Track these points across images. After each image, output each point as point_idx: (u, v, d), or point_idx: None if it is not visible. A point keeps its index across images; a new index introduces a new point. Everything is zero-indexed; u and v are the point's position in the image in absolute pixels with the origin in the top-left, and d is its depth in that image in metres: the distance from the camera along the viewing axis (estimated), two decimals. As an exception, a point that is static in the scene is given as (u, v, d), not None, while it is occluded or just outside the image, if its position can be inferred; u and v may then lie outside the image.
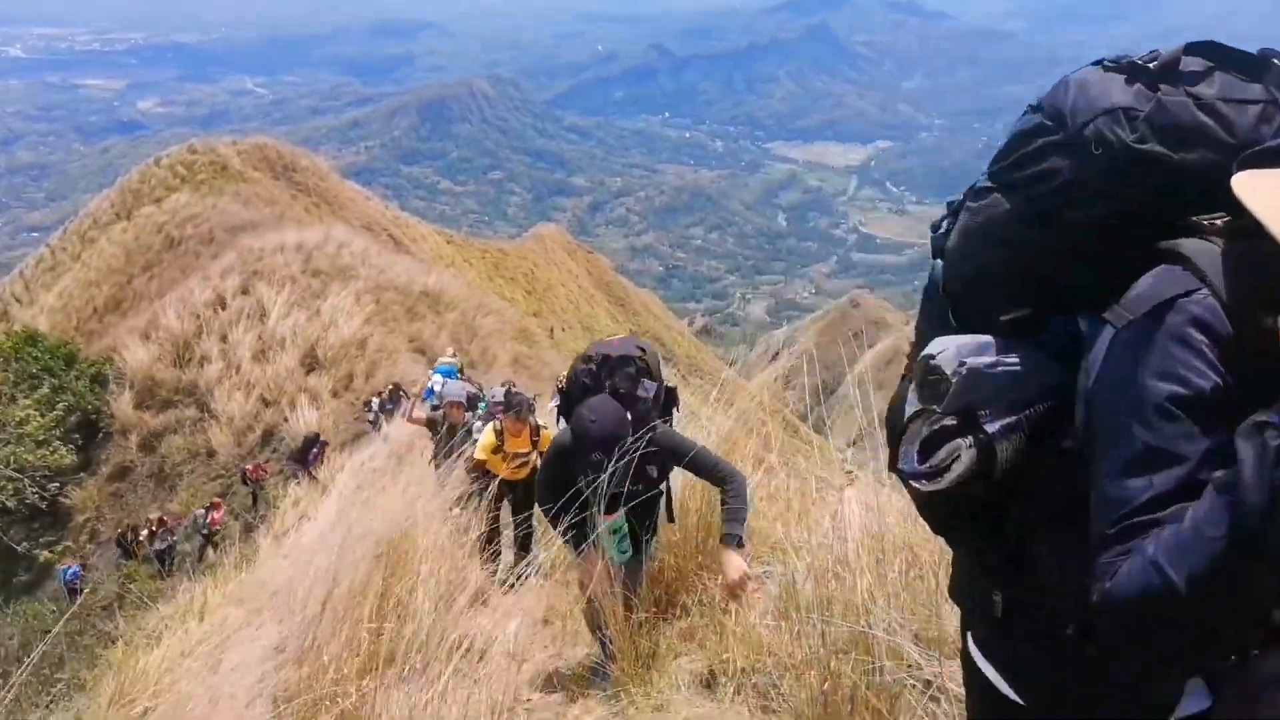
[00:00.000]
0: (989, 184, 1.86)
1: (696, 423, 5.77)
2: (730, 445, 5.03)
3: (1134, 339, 1.45)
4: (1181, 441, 1.35)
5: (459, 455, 7.93)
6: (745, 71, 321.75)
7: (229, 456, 18.02)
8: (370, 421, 16.26)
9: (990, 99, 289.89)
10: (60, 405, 19.00)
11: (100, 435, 19.59)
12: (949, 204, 2.02)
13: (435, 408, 10.60)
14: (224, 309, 21.61)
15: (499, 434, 8.02)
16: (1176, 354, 1.39)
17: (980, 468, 1.64)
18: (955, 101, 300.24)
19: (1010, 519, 1.74)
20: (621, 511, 4.47)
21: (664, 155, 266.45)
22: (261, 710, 3.41)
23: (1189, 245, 1.49)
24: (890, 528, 3.58)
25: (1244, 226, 1.38)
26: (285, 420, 17.94)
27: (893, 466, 1.87)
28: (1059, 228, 1.66)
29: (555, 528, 4.66)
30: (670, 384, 5.02)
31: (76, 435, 19.16)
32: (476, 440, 8.17)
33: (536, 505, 7.65)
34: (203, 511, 16.30)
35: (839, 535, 3.46)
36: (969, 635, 1.92)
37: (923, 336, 1.92)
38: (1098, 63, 1.90)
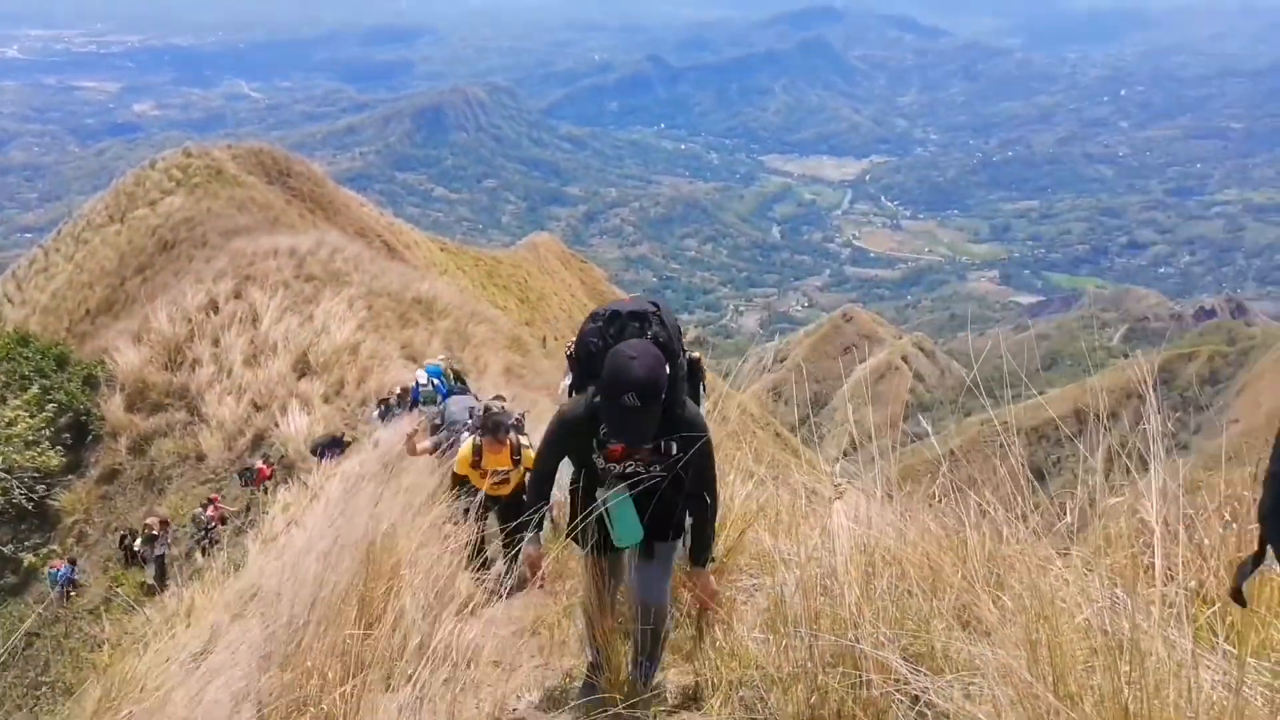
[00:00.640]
0: None
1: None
2: (720, 456, 4.99)
3: None
4: None
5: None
6: (741, 84, 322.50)
7: (219, 461, 17.97)
8: (380, 418, 16.12)
9: (985, 115, 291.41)
10: (50, 406, 18.94)
11: (90, 437, 19.53)
12: None
13: (436, 426, 10.19)
14: (216, 313, 21.57)
15: (476, 449, 7.76)
16: None
17: None
18: (950, 116, 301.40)
19: None
20: (624, 487, 4.22)
21: (659, 166, 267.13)
22: (246, 715, 3.40)
23: None
24: (879, 542, 3.59)
25: None
26: (276, 425, 17.90)
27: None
28: None
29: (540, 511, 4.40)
30: (693, 354, 4.62)
31: (66, 437, 19.10)
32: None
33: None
34: (201, 509, 16.27)
35: (828, 548, 3.46)
36: None
37: None
38: None
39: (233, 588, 9.59)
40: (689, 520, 4.37)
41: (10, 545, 17.56)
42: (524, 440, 7.94)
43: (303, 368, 19.67)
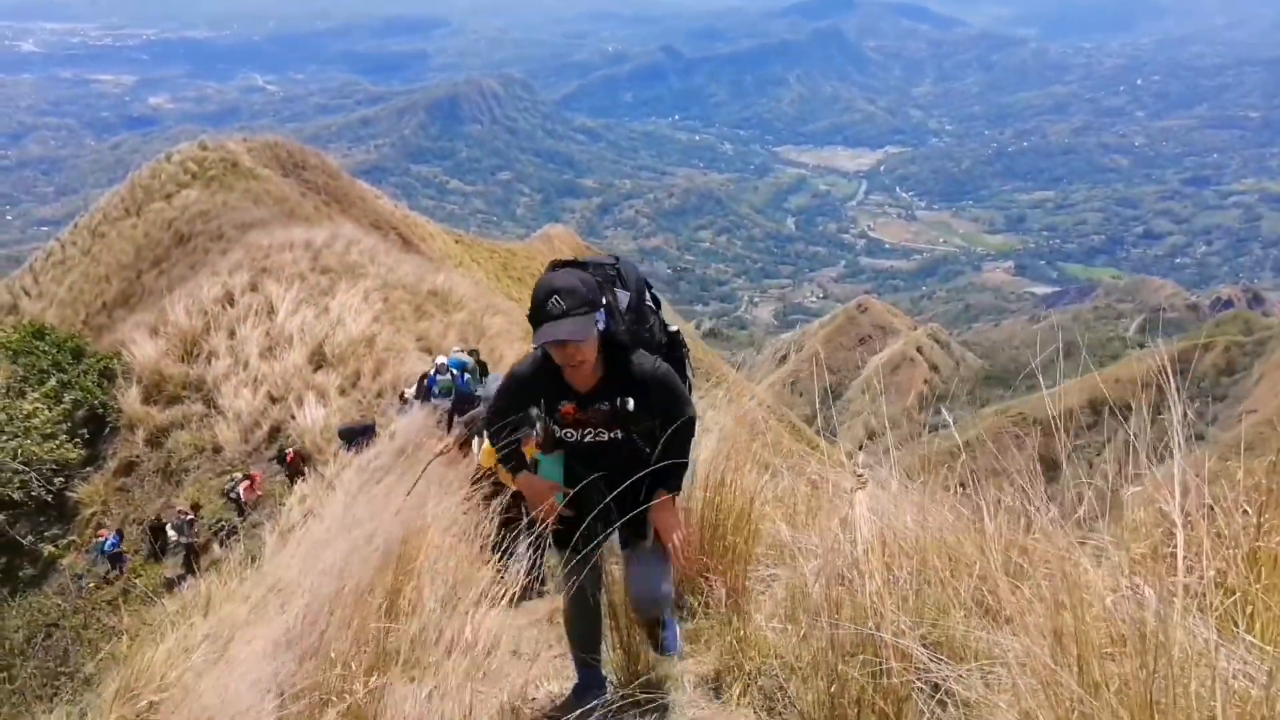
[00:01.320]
0: None
1: (700, 424, 5.66)
2: (733, 448, 4.99)
3: None
4: None
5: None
6: (755, 74, 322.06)
7: (235, 453, 18.02)
8: (404, 403, 16.04)
9: (1000, 105, 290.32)
10: (67, 399, 19.02)
11: (107, 430, 19.61)
12: None
13: (453, 415, 9.88)
14: (232, 305, 21.63)
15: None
16: None
17: None
18: (965, 107, 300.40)
19: None
20: (559, 454, 4.19)
21: (673, 158, 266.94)
22: (268, 706, 3.42)
23: None
24: (900, 532, 3.59)
25: None
26: (292, 417, 17.95)
27: None
28: None
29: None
30: (673, 327, 4.49)
31: (84, 430, 19.18)
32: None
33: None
34: (236, 480, 16.32)
35: (849, 538, 3.46)
36: None
37: None
38: None
39: (251, 579, 9.64)
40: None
41: (29, 537, 17.66)
42: None
43: (319, 360, 19.71)
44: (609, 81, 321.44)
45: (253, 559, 11.49)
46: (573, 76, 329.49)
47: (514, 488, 7.47)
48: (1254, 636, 2.61)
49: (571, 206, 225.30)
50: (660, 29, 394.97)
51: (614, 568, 4.46)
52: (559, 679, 4.39)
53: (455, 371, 12.64)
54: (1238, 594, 2.85)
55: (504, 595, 5.05)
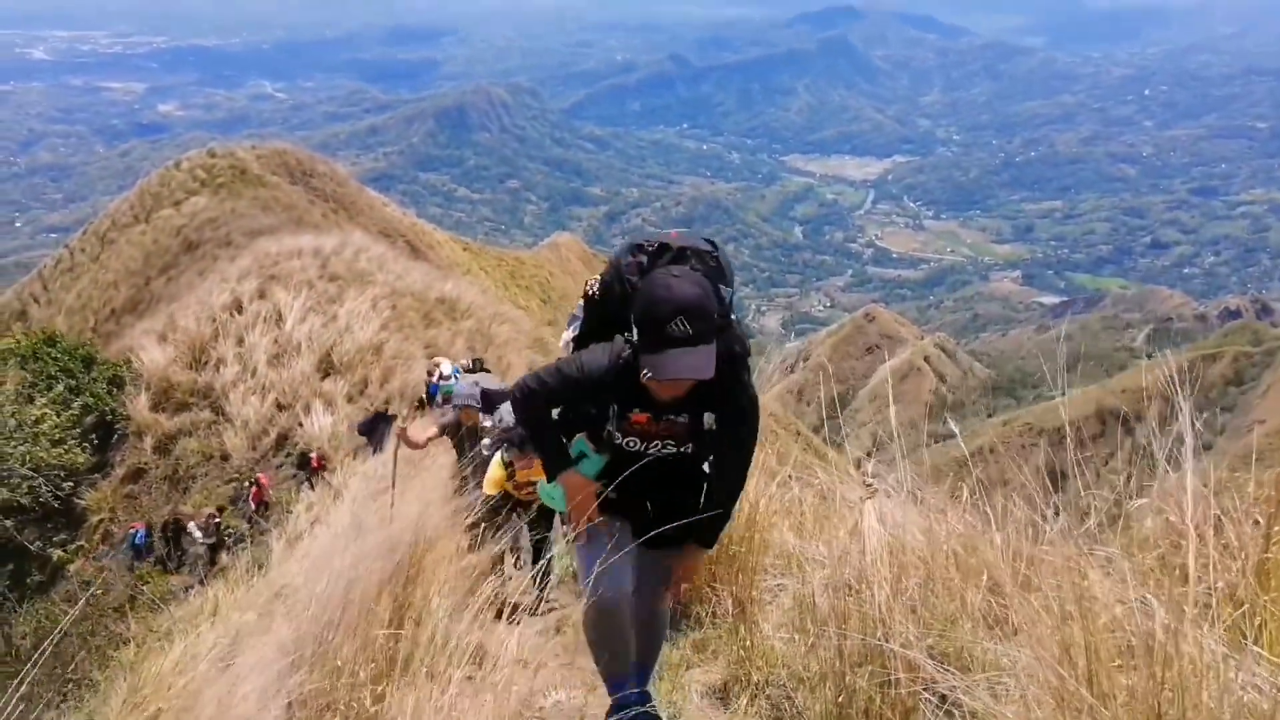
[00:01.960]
0: None
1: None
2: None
3: None
4: None
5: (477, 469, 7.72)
6: (762, 83, 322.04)
7: (243, 460, 18.07)
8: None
9: (1008, 114, 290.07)
10: (76, 405, 19.07)
11: (116, 437, 19.66)
12: None
13: (448, 401, 9.77)
14: (241, 312, 21.69)
15: (507, 466, 7.26)
16: None
17: None
18: (973, 116, 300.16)
19: None
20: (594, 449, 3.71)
21: (681, 166, 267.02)
22: (275, 714, 3.43)
23: None
24: (908, 542, 3.60)
25: None
26: (300, 425, 18.00)
27: None
28: None
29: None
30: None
31: (93, 436, 19.23)
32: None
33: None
34: (249, 485, 16.41)
35: (858, 548, 3.47)
36: None
37: None
38: None
39: (258, 587, 9.65)
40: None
41: (38, 543, 17.69)
42: None
43: (327, 367, 19.76)
44: (617, 90, 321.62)
45: (260, 566, 11.50)
46: (580, 85, 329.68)
47: (516, 492, 7.36)
48: (1262, 649, 2.61)
49: (579, 215, 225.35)
50: (668, 38, 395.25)
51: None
52: (566, 688, 4.39)
53: (458, 376, 12.43)
54: (1246, 606, 2.85)
55: (509, 606, 5.06)
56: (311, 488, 15.81)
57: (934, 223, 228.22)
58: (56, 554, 17.51)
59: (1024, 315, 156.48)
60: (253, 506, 16.12)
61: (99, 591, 15.84)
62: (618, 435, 3.59)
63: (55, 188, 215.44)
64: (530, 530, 7.56)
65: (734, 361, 3.39)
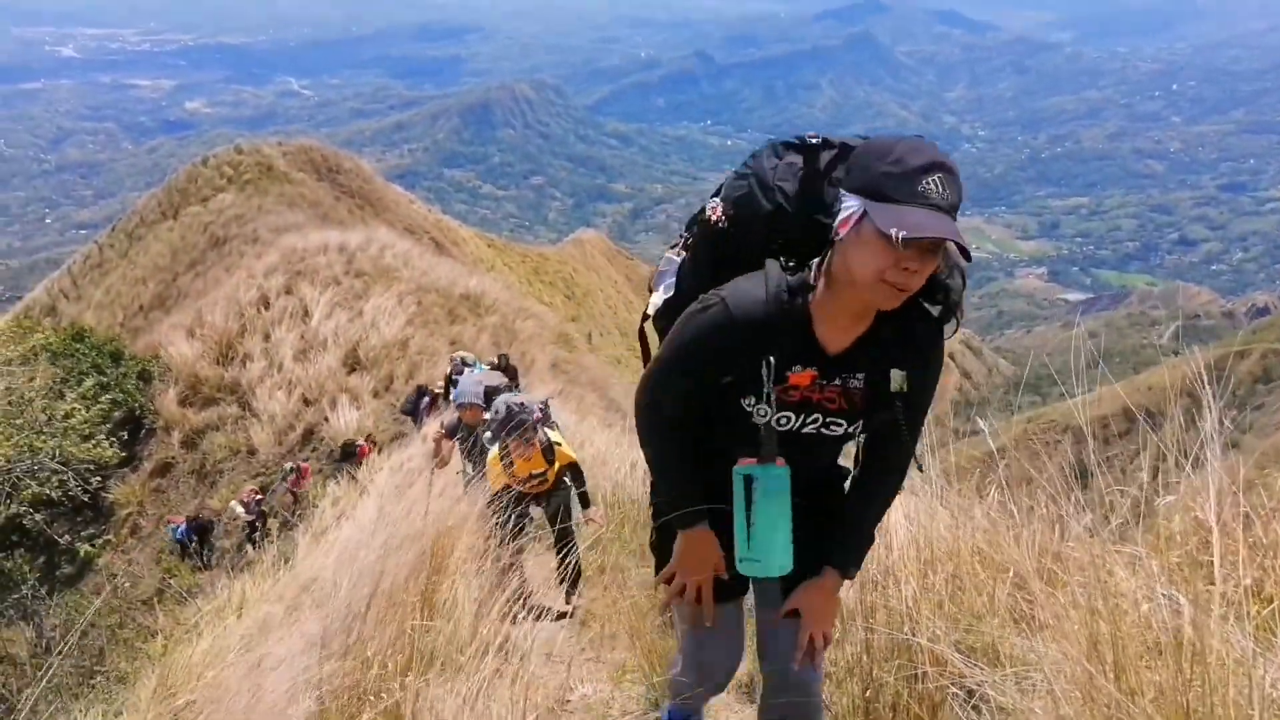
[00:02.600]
0: None
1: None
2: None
3: None
4: None
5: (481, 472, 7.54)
6: (787, 79, 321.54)
7: (269, 455, 18.17)
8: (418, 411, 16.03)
9: (1034, 110, 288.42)
10: (105, 399, 19.22)
11: (144, 431, 19.82)
12: None
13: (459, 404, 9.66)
14: (267, 308, 21.81)
15: (504, 458, 6.81)
16: None
17: None
18: (999, 112, 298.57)
19: None
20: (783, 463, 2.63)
21: (705, 162, 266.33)
22: (305, 704, 3.46)
23: None
24: (934, 538, 3.60)
25: None
26: (326, 420, 18.08)
27: None
28: None
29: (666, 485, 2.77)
30: None
31: (121, 431, 19.36)
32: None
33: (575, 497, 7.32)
34: (288, 471, 16.49)
35: (885, 544, 3.47)
36: None
37: None
38: None
39: (285, 579, 9.71)
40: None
41: (67, 536, 17.86)
42: (554, 435, 7.01)
43: (352, 363, 19.85)
44: (641, 86, 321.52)
45: (286, 560, 11.57)
46: (605, 82, 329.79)
47: (521, 486, 6.88)
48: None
49: (603, 211, 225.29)
50: (693, 34, 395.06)
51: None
52: (593, 681, 4.41)
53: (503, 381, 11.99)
54: (1275, 603, 2.84)
55: (535, 600, 5.08)
56: (354, 480, 15.88)
57: (959, 219, 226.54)
58: (85, 548, 17.67)
59: (1049, 312, 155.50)
60: (291, 498, 16.21)
61: (127, 584, 15.99)
62: (766, 409, 2.56)
63: (84, 184, 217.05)
64: (552, 524, 7.23)
65: (948, 294, 2.50)
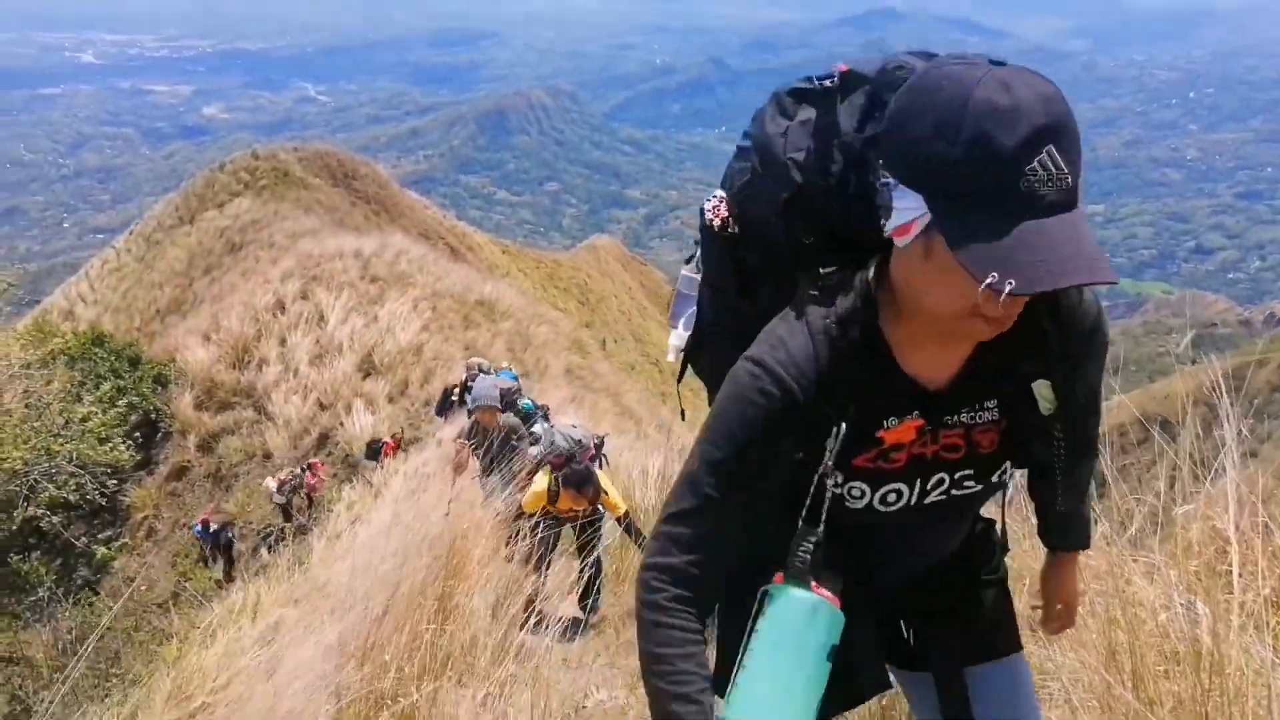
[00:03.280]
0: None
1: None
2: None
3: None
4: None
5: (506, 473, 7.47)
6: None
7: (285, 459, 18.23)
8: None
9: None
10: (122, 403, 19.30)
11: (160, 435, 19.91)
12: None
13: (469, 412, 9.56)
14: (283, 313, 21.90)
15: (553, 493, 6.70)
16: None
17: None
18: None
19: None
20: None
21: (720, 169, 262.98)
22: (323, 707, 3.47)
23: None
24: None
25: None
26: (341, 425, 18.14)
27: None
28: None
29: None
30: None
31: (137, 434, 19.45)
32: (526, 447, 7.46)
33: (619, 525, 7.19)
34: (302, 470, 16.56)
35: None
36: None
37: None
38: None
39: (299, 583, 9.73)
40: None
41: (84, 539, 17.93)
42: (604, 480, 6.82)
43: (367, 368, 19.90)
44: (656, 93, 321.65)
45: (300, 563, 11.60)
46: (620, 88, 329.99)
47: (557, 512, 6.78)
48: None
49: (618, 217, 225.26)
50: (709, 41, 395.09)
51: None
52: (608, 688, 4.41)
53: (511, 382, 11.82)
54: (1294, 613, 2.83)
55: (551, 600, 5.08)
56: (369, 484, 15.93)
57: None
58: (101, 550, 17.75)
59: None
60: (307, 500, 16.28)
61: (144, 588, 16.04)
62: (840, 488, 1.76)
63: (102, 189, 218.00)
64: (578, 537, 7.17)
65: None
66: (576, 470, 6.67)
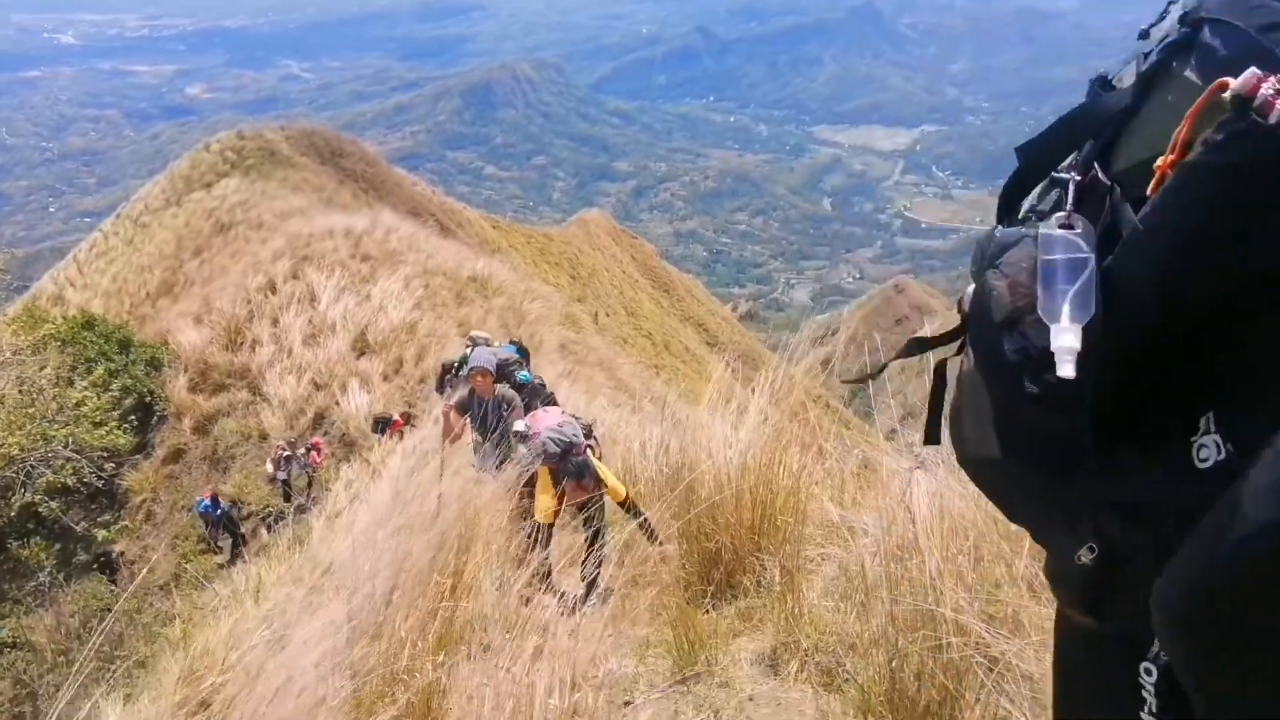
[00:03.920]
0: None
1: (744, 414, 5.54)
2: (774, 432, 4.99)
3: None
4: None
5: (500, 449, 7.55)
6: (789, 54, 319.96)
7: (280, 439, 18.26)
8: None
9: (1039, 81, 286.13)
10: (115, 387, 19.29)
11: (155, 418, 19.90)
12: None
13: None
14: (274, 293, 21.87)
15: (557, 488, 6.73)
16: None
17: None
18: (1003, 84, 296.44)
19: None
20: None
21: (708, 139, 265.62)
22: (337, 685, 3.50)
23: None
24: (953, 511, 3.61)
25: None
26: (336, 404, 18.15)
27: None
28: None
29: None
30: None
31: (133, 417, 19.45)
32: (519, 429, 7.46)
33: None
34: (304, 451, 16.62)
35: (907, 517, 3.49)
36: None
37: None
38: None
39: (300, 562, 9.77)
40: None
41: (82, 523, 17.96)
42: (600, 468, 6.90)
43: (361, 346, 19.90)
44: (643, 64, 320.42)
45: (300, 542, 11.65)
46: (606, 59, 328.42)
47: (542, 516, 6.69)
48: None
49: (606, 190, 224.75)
50: (695, 9, 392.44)
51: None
52: (617, 656, 4.45)
53: (512, 355, 11.63)
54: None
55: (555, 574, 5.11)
56: (366, 462, 15.97)
57: (963, 192, 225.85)
58: (100, 534, 17.79)
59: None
60: (307, 480, 16.35)
61: (144, 570, 16.09)
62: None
63: (87, 172, 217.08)
64: (584, 519, 7.06)
65: None
66: (574, 464, 6.76)
